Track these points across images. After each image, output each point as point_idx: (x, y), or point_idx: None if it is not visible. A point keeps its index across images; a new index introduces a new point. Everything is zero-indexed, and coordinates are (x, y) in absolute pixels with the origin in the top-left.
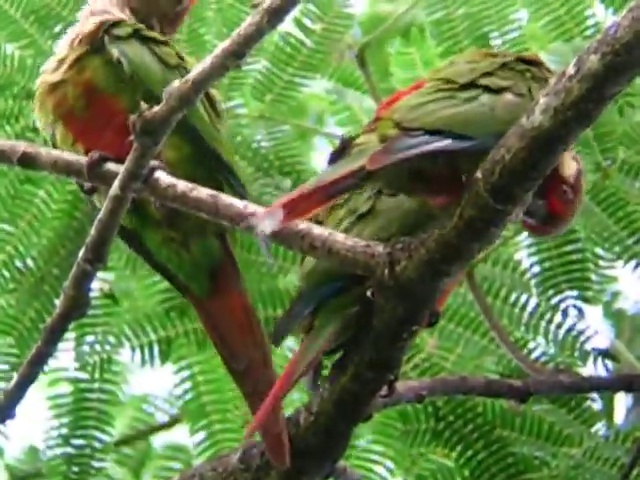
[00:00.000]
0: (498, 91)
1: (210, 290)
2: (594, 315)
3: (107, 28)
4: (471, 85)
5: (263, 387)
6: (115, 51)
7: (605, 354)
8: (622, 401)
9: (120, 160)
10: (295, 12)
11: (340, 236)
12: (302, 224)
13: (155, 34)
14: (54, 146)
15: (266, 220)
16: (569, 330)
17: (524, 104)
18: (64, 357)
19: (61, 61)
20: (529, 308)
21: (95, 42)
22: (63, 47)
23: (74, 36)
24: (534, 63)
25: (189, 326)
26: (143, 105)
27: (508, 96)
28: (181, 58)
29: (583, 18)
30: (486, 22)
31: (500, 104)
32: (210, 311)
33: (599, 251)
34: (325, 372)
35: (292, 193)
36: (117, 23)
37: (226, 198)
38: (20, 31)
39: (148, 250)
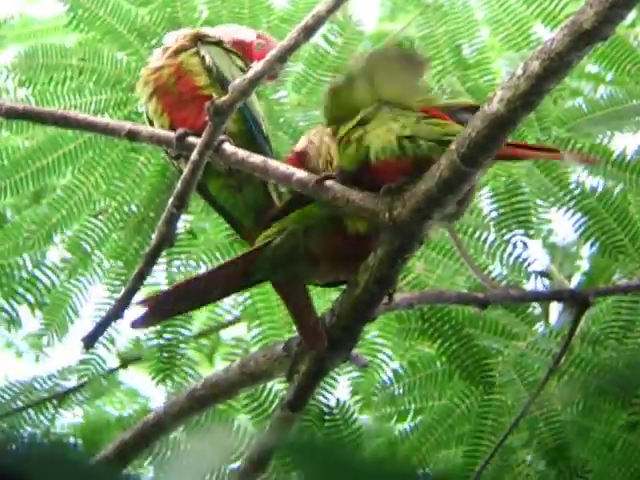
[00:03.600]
0: None
1: (256, 222)
2: (535, 247)
3: (201, 37)
4: None
5: None
6: (203, 50)
7: (543, 274)
8: (555, 308)
9: (197, 133)
10: (322, 30)
11: (355, 191)
12: (329, 181)
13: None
14: (147, 117)
15: None
16: (517, 257)
17: None
18: (158, 275)
19: (164, 51)
20: (489, 242)
21: (191, 42)
22: (166, 43)
23: (176, 37)
24: None
25: None
26: (215, 95)
27: None
28: (245, 64)
29: (529, 34)
30: (459, 37)
31: None
32: (255, 237)
33: (538, 201)
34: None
35: None
36: (208, 35)
37: (273, 162)
38: (127, 43)
39: (212, 195)
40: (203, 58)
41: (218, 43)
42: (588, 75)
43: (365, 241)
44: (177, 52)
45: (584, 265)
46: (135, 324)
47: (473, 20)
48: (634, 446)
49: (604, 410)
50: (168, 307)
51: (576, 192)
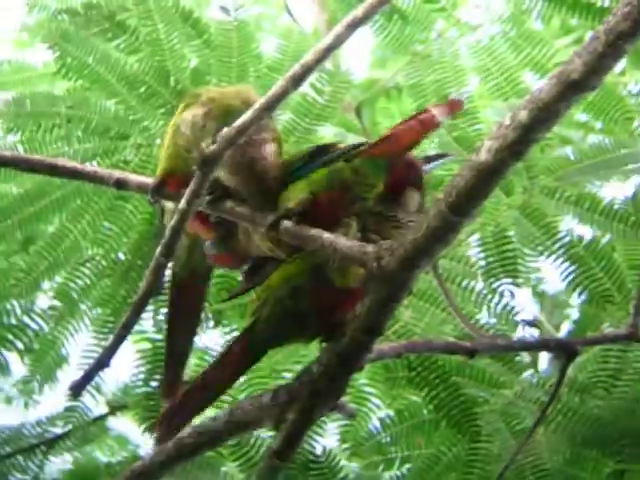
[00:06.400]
0: None
1: (188, 276)
2: (523, 295)
3: None
4: None
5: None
6: None
7: (531, 323)
8: (545, 356)
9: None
10: (311, 78)
11: (342, 239)
12: (313, 230)
13: None
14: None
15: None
16: (504, 307)
17: None
18: (146, 324)
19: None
20: (476, 291)
21: None
22: None
23: None
24: None
25: (235, 302)
26: (203, 145)
27: None
28: None
29: (517, 83)
30: (447, 86)
31: None
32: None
33: (526, 250)
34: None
35: None
36: None
37: (260, 214)
38: (115, 91)
39: None
40: None
41: None
42: (577, 124)
43: (353, 292)
44: None
45: (574, 314)
46: (159, 441)
47: (462, 69)
48: None
49: (591, 459)
50: (182, 416)
51: (564, 241)
